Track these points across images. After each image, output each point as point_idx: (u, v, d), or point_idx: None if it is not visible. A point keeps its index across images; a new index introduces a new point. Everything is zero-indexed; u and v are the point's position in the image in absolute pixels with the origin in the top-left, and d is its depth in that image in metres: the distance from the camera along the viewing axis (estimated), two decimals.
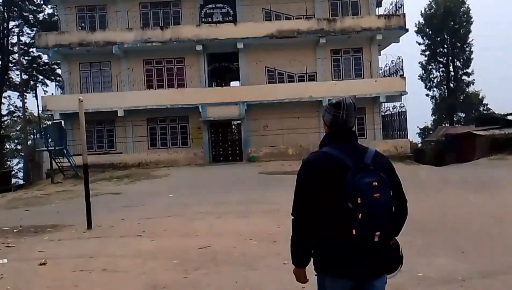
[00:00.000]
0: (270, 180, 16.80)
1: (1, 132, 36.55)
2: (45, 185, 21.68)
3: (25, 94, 36.34)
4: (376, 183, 2.21)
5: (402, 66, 24.97)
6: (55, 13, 29.20)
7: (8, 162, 41.45)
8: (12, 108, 37.91)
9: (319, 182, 2.28)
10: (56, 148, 23.05)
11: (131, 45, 25.41)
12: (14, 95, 37.31)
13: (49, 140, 23.33)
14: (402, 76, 25.07)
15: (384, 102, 25.36)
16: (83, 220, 8.71)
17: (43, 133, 24.27)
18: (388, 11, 26.46)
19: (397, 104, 26.39)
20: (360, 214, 2.16)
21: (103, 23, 27.07)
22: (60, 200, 14.70)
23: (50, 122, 30.54)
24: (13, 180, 35.37)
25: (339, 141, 2.40)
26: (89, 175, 22.56)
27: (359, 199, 2.16)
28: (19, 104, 37.08)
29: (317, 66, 25.94)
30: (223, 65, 26.56)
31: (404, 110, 25.05)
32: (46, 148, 23.02)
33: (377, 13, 26.27)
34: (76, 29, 26.81)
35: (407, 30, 25.15)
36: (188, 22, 26.25)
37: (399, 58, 25.28)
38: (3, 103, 36.50)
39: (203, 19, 26.16)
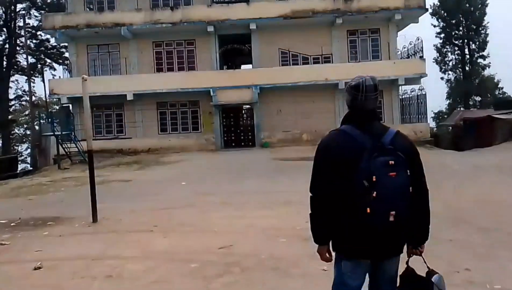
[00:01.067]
0: (286, 166, 15.97)
1: (9, 116, 35.99)
2: (52, 171, 21.13)
3: (33, 78, 35.87)
4: (392, 162, 2.20)
5: (422, 47, 23.84)
6: None
7: (17, 147, 41.10)
8: (20, 92, 37.34)
9: (336, 160, 2.29)
10: (63, 133, 22.53)
11: (140, 26, 24.57)
12: (22, 79, 36.69)
13: (56, 125, 22.80)
14: (421, 57, 23.95)
15: (402, 85, 24.27)
16: (88, 212, 7.95)
17: (49, 117, 23.56)
18: None
19: (416, 87, 25.35)
20: (375, 192, 2.15)
21: (112, 4, 26.20)
22: (66, 188, 14.00)
23: (58, 107, 29.98)
24: (22, 166, 35.10)
25: (359, 120, 2.39)
26: (97, 161, 22.15)
27: (374, 177, 2.16)
28: (27, 88, 36.52)
29: (332, 47, 24.87)
30: (235, 47, 25.51)
31: (424, 93, 24.01)
32: (52, 133, 22.39)
33: None
34: (83, 10, 25.92)
35: (426, 10, 24.02)
36: (199, 2, 25.25)
37: (418, 39, 24.15)
38: (11, 87, 35.93)
39: None
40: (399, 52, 25.71)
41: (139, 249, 5.74)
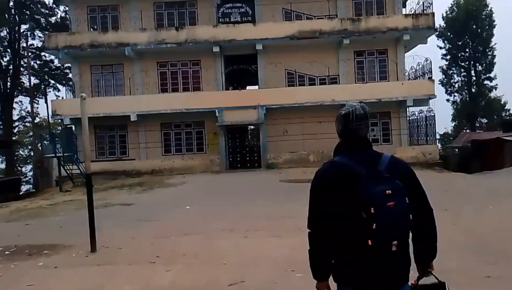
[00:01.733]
0: (294, 189, 15.39)
1: (13, 137, 35.65)
2: (53, 194, 20.69)
3: (37, 99, 35.72)
4: (389, 191, 2.13)
5: (431, 68, 23.45)
6: (67, 15, 28.19)
7: (21, 168, 40.69)
8: (24, 113, 37.09)
9: (332, 192, 2.23)
10: (65, 154, 22.09)
11: (144, 46, 24.30)
12: (26, 100, 36.49)
13: (58, 146, 22.41)
14: (430, 78, 23.55)
15: (411, 106, 23.83)
16: (87, 239, 7.42)
17: (51, 138, 23.17)
18: (414, 11, 24.96)
19: (424, 108, 24.88)
20: (375, 224, 2.09)
21: (116, 24, 26.00)
22: (66, 212, 13.47)
23: (61, 128, 29.66)
24: (27, 187, 34.61)
25: (351, 149, 2.34)
26: (99, 183, 21.70)
27: (372, 208, 2.10)
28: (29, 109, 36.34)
29: (339, 68, 24.53)
30: (241, 68, 25.22)
31: (433, 114, 23.50)
32: (54, 154, 21.96)
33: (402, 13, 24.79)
34: (87, 30, 25.76)
35: (436, 30, 23.74)
36: (205, 22, 25.06)
37: (426, 60, 23.77)
38: (15, 108, 35.68)
39: (220, 19, 24.94)
40: (407, 73, 25.31)
41: (139, 284, 5.18)
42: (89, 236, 7.32)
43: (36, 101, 35.76)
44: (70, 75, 30.07)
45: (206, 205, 12.82)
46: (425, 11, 23.76)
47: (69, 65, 28.51)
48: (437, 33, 36.26)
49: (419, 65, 24.54)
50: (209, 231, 8.60)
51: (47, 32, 27.79)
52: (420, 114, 25.09)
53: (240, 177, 20.47)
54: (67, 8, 28.42)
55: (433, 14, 23.24)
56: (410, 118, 25.86)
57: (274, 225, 9.02)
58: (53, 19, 35.51)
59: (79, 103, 23.68)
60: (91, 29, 26.17)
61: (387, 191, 2.13)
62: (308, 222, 2.34)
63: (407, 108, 24.25)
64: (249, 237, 7.98)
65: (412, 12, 24.69)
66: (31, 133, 38.87)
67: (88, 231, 7.39)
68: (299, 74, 24.81)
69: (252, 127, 25.17)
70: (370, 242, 2.12)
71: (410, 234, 2.28)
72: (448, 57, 39.97)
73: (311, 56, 24.29)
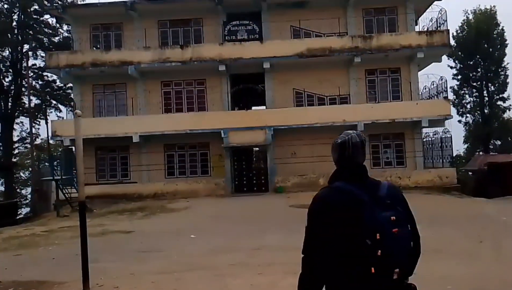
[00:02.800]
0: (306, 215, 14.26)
1: (12, 159, 34.72)
2: (50, 219, 19.66)
3: (38, 120, 34.95)
4: (394, 218, 2.10)
5: (446, 86, 22.52)
6: (70, 34, 27.63)
7: (21, 191, 39.70)
8: (25, 135, 36.18)
9: (332, 218, 2.15)
10: (63, 177, 21.12)
11: (148, 65, 23.58)
12: (27, 121, 35.59)
13: (56, 168, 21.47)
14: (446, 98, 22.60)
15: (426, 127, 22.79)
16: (80, 274, 6.37)
17: (50, 161, 22.28)
18: (427, 28, 24.17)
19: (439, 129, 23.88)
20: (380, 251, 2.03)
21: (119, 43, 25.37)
22: (61, 240, 12.39)
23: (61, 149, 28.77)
24: (26, 210, 33.55)
25: (350, 176, 2.27)
26: (99, 207, 20.64)
27: (378, 235, 2.04)
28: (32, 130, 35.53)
29: (350, 87, 23.62)
30: (247, 87, 24.31)
31: (449, 136, 22.46)
32: (52, 177, 20.98)
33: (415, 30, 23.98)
34: (90, 49, 25.04)
35: (451, 48, 22.89)
36: (210, 40, 24.35)
37: (441, 79, 22.84)
38: (15, 129, 34.83)
39: (226, 37, 24.20)
40: (421, 93, 24.36)
41: None
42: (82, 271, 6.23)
43: (37, 122, 34.94)
44: (72, 96, 29.37)
45: (212, 234, 11.77)
46: (439, 28, 22.94)
47: (71, 85, 27.74)
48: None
49: (433, 84, 23.60)
50: (218, 266, 7.53)
51: (48, 52, 27.05)
52: (435, 136, 24.03)
53: (247, 201, 19.41)
54: (69, 28, 27.81)
55: (447, 31, 22.46)
56: (424, 140, 24.83)
57: (290, 258, 7.81)
58: (56, 39, 34.97)
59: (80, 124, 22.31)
60: (94, 48, 25.46)
61: (392, 218, 2.09)
62: (304, 247, 2.26)
63: (422, 129, 23.21)
64: (264, 273, 6.90)
65: (426, 29, 23.84)
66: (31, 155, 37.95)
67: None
68: (308, 94, 23.92)
69: (257, 149, 24.12)
70: (373, 270, 2.05)
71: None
72: (459, 77, 39.00)
73: (321, 75, 23.45)
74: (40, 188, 26.06)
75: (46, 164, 24.01)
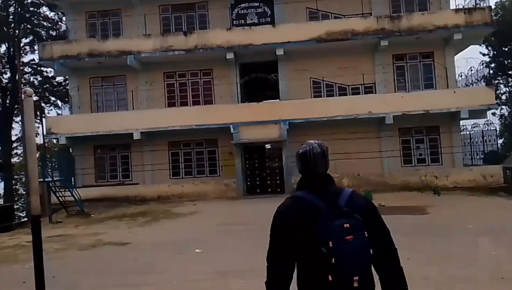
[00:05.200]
0: None
1: (11, 159, 32.82)
2: (41, 226, 17.36)
3: (37, 118, 33.04)
4: (347, 225, 2.10)
5: (489, 72, 19.61)
6: (61, 22, 25.51)
7: (23, 193, 37.89)
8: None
9: (290, 229, 2.22)
10: (55, 178, 19.05)
11: (149, 54, 21.34)
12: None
13: (50, 169, 19.50)
14: (489, 84, 19.72)
15: (466, 119, 19.96)
16: None
17: (42, 161, 20.20)
18: (463, 7, 21.22)
19: (479, 121, 21.05)
20: (334, 259, 2.05)
21: (117, 32, 23.14)
22: (44, 255, 10.12)
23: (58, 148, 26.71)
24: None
25: (312, 185, 2.34)
26: (98, 211, 18.64)
27: (330, 242, 2.07)
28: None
29: (376, 75, 20.89)
30: (259, 77, 21.71)
31: (493, 128, 19.58)
32: (43, 179, 18.84)
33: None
34: (86, 39, 22.78)
35: (493, 27, 19.96)
36: (217, 26, 21.94)
37: (482, 64, 19.94)
38: (13, 128, 32.94)
39: (234, 21, 21.74)
40: (459, 80, 21.49)
41: None
42: None
43: (36, 120, 32.91)
44: (68, 90, 27.27)
45: (222, 248, 9.70)
46: (478, 5, 20.06)
47: (66, 77, 25.62)
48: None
49: (471, 70, 20.73)
50: None
51: (41, 43, 24.92)
52: (475, 128, 21.16)
53: (262, 205, 16.84)
54: (65, 18, 25.60)
55: (489, 8, 19.61)
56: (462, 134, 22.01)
57: None
58: (55, 33, 32.98)
59: (77, 121, 19.82)
60: (90, 38, 23.18)
61: (345, 225, 2.09)
62: (267, 256, 2.32)
63: (460, 121, 20.42)
64: None
65: (463, 7, 20.90)
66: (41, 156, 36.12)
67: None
68: (328, 83, 21.30)
69: (274, 145, 21.62)
70: (330, 278, 2.06)
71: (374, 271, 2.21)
72: (493, 65, 35.73)
73: (342, 61, 20.85)
74: None
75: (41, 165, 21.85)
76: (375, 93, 20.77)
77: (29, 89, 6.34)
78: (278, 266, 2.28)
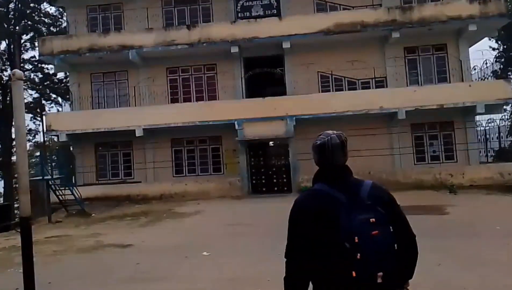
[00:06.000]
0: None
1: (11, 157, 32.25)
2: (40, 226, 17.24)
3: (38, 116, 32.66)
4: (373, 220, 2.06)
5: (500, 67, 18.88)
6: (59, 16, 24.88)
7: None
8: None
9: (311, 222, 2.14)
10: (54, 177, 18.51)
11: (151, 49, 20.61)
12: (27, 117, 33.17)
13: (49, 167, 19.03)
14: (506, 78, 18.90)
15: (482, 114, 19.11)
16: None
17: (41, 158, 19.70)
18: None
19: (494, 116, 20.25)
20: (359, 254, 2.00)
21: (119, 26, 22.46)
22: (40, 258, 9.57)
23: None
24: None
25: (331, 177, 2.27)
26: (99, 210, 18.14)
27: (356, 238, 2.02)
28: (33, 126, 33.04)
29: (386, 69, 20.07)
30: (264, 71, 20.90)
31: (507, 124, 18.77)
32: (41, 177, 18.32)
33: None
34: (87, 33, 22.11)
35: (509, 18, 19.11)
36: (221, 19, 21.21)
37: (495, 58, 19.15)
38: (13, 126, 32.38)
39: (239, 14, 21.00)
40: (473, 73, 20.63)
41: None
42: None
43: (37, 118, 32.47)
44: (69, 86, 26.67)
45: (231, 251, 9.06)
46: None
47: (67, 73, 24.99)
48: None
49: (486, 63, 19.89)
50: None
51: (41, 38, 24.30)
52: (490, 124, 20.32)
53: (268, 204, 16.25)
54: (65, 13, 24.97)
55: None
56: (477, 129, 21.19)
57: None
58: (56, 30, 32.46)
59: (77, 117, 19.02)
60: (91, 32, 22.52)
61: (371, 219, 2.05)
62: (286, 252, 2.23)
63: (475, 116, 19.59)
64: None
65: None
66: (37, 153, 35.62)
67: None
68: (336, 77, 20.50)
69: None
70: (354, 274, 2.00)
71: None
72: (503, 60, 34.70)
73: (351, 55, 20.01)
74: (35, 189, 23.34)
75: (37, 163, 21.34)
76: (386, 87, 19.96)
77: (18, 71, 5.67)
78: (298, 261, 2.18)
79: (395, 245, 2.09)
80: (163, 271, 7.60)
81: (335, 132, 2.33)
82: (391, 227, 2.09)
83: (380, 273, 2.02)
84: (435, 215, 12.04)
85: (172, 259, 8.54)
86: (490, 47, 34.16)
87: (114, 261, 8.85)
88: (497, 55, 34.33)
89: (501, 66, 34.30)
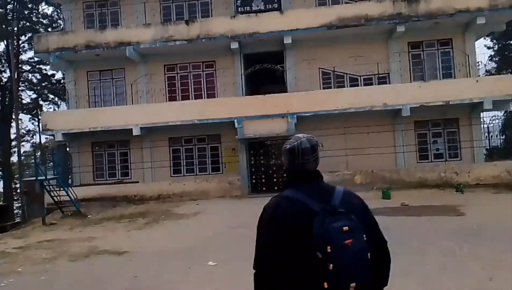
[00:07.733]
0: None
1: (10, 158, 31.87)
2: (35, 228, 16.80)
3: (35, 116, 32.33)
4: (347, 228, 1.94)
5: (496, 66, 18.24)
6: (54, 12, 24.45)
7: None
8: (24, 132, 33.33)
9: (281, 230, 2.01)
10: (48, 177, 18.00)
11: (149, 45, 20.08)
12: (26, 117, 32.89)
13: (44, 167, 18.64)
14: None
15: (489, 110, 18.48)
16: None
17: (35, 158, 19.23)
18: None
19: (499, 113, 19.61)
20: (331, 265, 1.89)
21: (116, 22, 21.94)
22: (28, 266, 8.95)
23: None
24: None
25: (301, 183, 2.15)
26: (96, 211, 17.61)
27: (328, 247, 1.90)
28: (31, 126, 32.65)
29: (390, 64, 19.47)
30: (265, 68, 20.34)
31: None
32: (35, 177, 17.85)
33: None
34: (83, 29, 21.63)
35: None
36: (220, 14, 20.69)
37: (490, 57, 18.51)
38: (13, 127, 32.00)
39: (239, 8, 20.48)
40: (480, 68, 20.05)
41: None
42: None
43: (35, 118, 32.11)
44: (65, 84, 26.23)
45: (240, 258, 8.21)
46: None
47: (63, 70, 24.52)
48: None
49: (492, 58, 19.25)
50: None
51: (36, 34, 23.84)
52: (494, 121, 19.70)
53: None
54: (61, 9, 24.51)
55: None
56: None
57: None
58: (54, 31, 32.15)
59: (74, 116, 18.39)
60: (88, 29, 22.04)
61: (344, 228, 1.93)
62: (254, 262, 2.09)
63: (481, 113, 18.98)
64: None
65: None
66: (38, 154, 35.19)
67: None
68: (338, 74, 19.95)
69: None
70: (326, 285, 1.89)
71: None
72: (497, 58, 33.96)
73: (354, 50, 19.46)
74: (31, 190, 22.92)
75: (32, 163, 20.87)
76: (389, 83, 19.37)
77: None
78: (268, 272, 2.04)
79: (368, 254, 1.99)
80: (165, 285, 6.79)
81: (305, 135, 2.20)
82: (364, 236, 1.99)
83: (353, 284, 1.92)
84: (451, 217, 11.29)
85: (174, 270, 7.69)
86: (485, 45, 33.52)
87: (108, 272, 8.03)
88: (491, 54, 33.69)
89: (496, 65, 33.62)
